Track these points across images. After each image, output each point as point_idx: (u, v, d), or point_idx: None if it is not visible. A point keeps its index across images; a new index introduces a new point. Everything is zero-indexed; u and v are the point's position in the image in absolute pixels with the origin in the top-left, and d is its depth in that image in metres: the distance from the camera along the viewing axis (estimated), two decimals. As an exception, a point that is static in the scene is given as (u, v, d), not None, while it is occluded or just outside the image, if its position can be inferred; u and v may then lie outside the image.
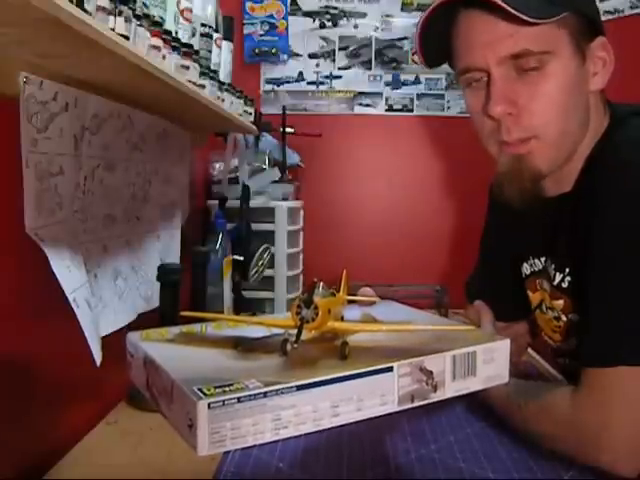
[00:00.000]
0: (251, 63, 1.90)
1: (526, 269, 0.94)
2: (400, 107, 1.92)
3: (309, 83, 1.92)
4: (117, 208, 0.88)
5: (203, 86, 0.91)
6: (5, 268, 0.68)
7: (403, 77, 1.91)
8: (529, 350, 1.16)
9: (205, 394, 0.45)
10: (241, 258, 1.38)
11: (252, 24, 1.88)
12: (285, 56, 1.90)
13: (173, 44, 0.77)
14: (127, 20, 0.61)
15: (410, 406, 0.54)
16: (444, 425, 0.85)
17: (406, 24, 1.90)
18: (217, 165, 1.64)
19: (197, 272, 1.17)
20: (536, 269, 0.92)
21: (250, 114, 1.28)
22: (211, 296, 1.24)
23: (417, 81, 1.91)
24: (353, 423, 0.51)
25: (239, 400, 0.45)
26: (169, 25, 0.76)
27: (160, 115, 1.00)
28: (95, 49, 0.54)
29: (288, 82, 1.92)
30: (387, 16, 1.90)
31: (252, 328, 0.63)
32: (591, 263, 0.74)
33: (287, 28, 1.89)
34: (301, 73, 1.92)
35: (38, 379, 0.74)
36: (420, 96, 1.91)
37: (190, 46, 0.83)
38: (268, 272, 1.49)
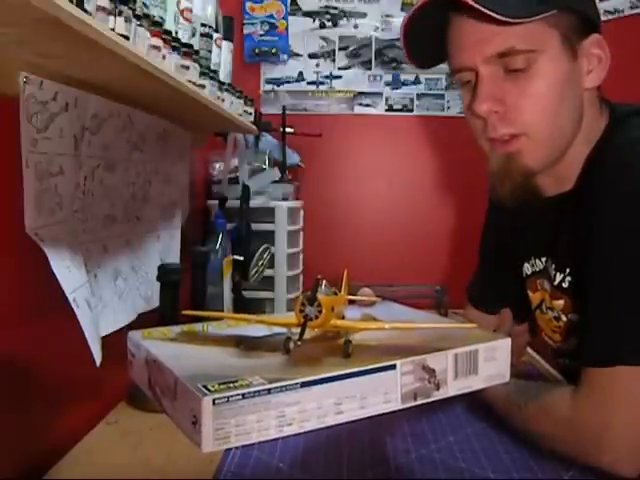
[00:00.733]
0: (251, 63, 1.90)
1: (527, 269, 0.94)
2: (400, 107, 1.92)
3: (309, 83, 1.92)
4: (117, 208, 0.88)
5: (203, 86, 0.91)
6: (5, 268, 0.68)
7: (403, 77, 1.91)
8: (529, 350, 1.17)
9: (210, 390, 0.45)
10: (241, 258, 1.38)
11: (252, 24, 1.88)
12: (285, 56, 1.90)
13: (173, 44, 0.77)
14: (127, 20, 0.61)
15: (413, 404, 0.54)
16: (444, 425, 0.85)
17: (406, 24, 1.89)
18: (217, 165, 1.64)
19: (197, 272, 1.17)
20: (537, 269, 0.92)
21: (250, 114, 1.28)
22: (211, 296, 1.24)
23: (417, 81, 1.91)
24: (356, 421, 0.51)
25: (243, 396, 0.45)
26: (169, 25, 0.76)
27: (160, 115, 1.00)
28: (95, 49, 0.54)
29: (288, 82, 1.92)
30: (387, 16, 1.90)
31: (253, 327, 0.63)
32: (591, 263, 0.74)
33: (287, 28, 1.89)
34: (301, 73, 1.92)
35: (38, 379, 0.74)
36: (420, 96, 1.91)
37: (190, 46, 0.83)
38: (268, 272, 1.49)
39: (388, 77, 1.92)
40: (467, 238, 1.84)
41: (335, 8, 1.90)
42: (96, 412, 0.88)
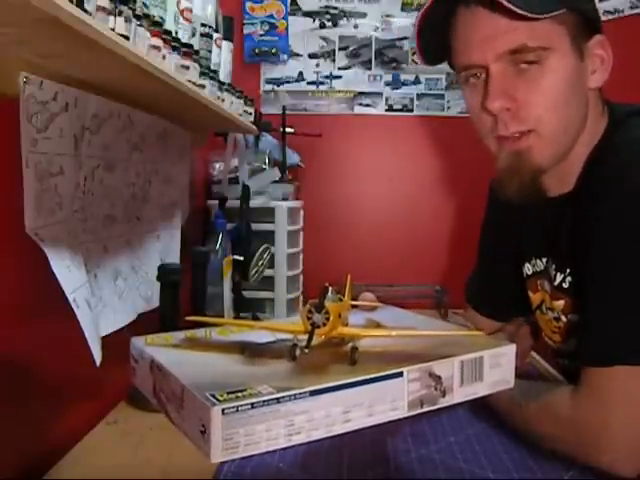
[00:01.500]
0: (251, 63, 1.90)
1: (528, 269, 0.94)
2: (400, 107, 1.92)
3: (309, 83, 1.92)
4: (117, 208, 0.88)
5: (203, 86, 0.91)
6: (5, 268, 0.68)
7: (403, 77, 1.91)
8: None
9: (218, 400, 0.44)
10: (241, 258, 1.38)
11: (252, 24, 1.88)
12: (285, 56, 1.90)
13: (173, 44, 0.77)
14: (127, 20, 0.61)
15: (419, 411, 0.54)
16: (444, 426, 0.85)
17: (406, 24, 1.89)
18: (217, 165, 1.64)
19: (197, 272, 1.17)
20: (538, 269, 0.92)
21: (250, 114, 1.28)
22: (211, 296, 1.24)
23: (417, 81, 1.91)
24: (363, 429, 0.51)
25: (252, 406, 0.45)
26: (169, 25, 0.76)
27: (160, 115, 1.00)
28: (95, 49, 0.54)
29: (288, 82, 1.92)
30: (387, 16, 1.90)
31: (257, 333, 0.62)
32: (591, 263, 0.74)
33: (287, 28, 1.89)
34: (301, 73, 1.92)
35: (38, 379, 0.74)
36: (420, 96, 1.91)
37: (190, 46, 0.83)
38: (268, 272, 1.49)
39: (388, 77, 1.92)
40: (467, 238, 1.84)
41: (335, 8, 1.90)
42: (96, 412, 0.88)
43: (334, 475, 0.72)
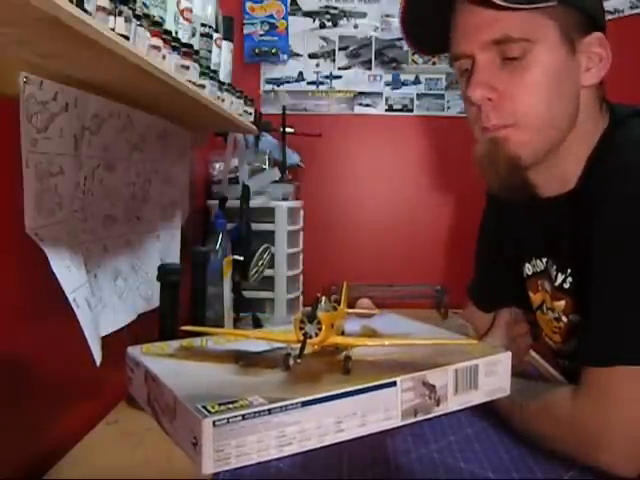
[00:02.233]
0: (251, 63, 1.90)
1: (528, 269, 0.94)
2: (400, 107, 1.92)
3: (309, 83, 1.92)
4: (117, 208, 0.88)
5: (203, 86, 0.91)
6: (5, 268, 0.68)
7: (403, 77, 1.91)
8: (530, 351, 1.16)
9: (209, 412, 0.44)
10: (241, 258, 1.38)
11: (252, 24, 1.88)
12: (285, 56, 1.90)
13: (173, 44, 0.77)
14: (127, 20, 0.61)
15: (413, 420, 0.54)
16: (444, 425, 0.85)
17: (406, 24, 1.89)
18: (217, 165, 1.64)
19: (197, 272, 1.17)
20: (538, 270, 0.92)
21: (250, 114, 1.28)
22: (211, 296, 1.24)
23: (417, 81, 1.91)
24: (357, 439, 0.50)
25: (244, 417, 0.45)
26: (169, 25, 0.76)
27: (160, 115, 1.00)
28: (95, 49, 0.54)
29: (288, 82, 1.92)
30: (387, 16, 1.90)
31: (252, 342, 0.62)
32: (591, 264, 0.74)
33: (287, 28, 1.89)
34: (301, 73, 1.92)
35: (38, 379, 0.74)
36: (420, 96, 1.91)
37: (190, 46, 0.83)
38: (268, 272, 1.49)
39: (388, 77, 1.92)
40: (467, 238, 1.84)
41: (335, 8, 1.90)
42: (96, 412, 0.88)
43: (334, 475, 0.72)
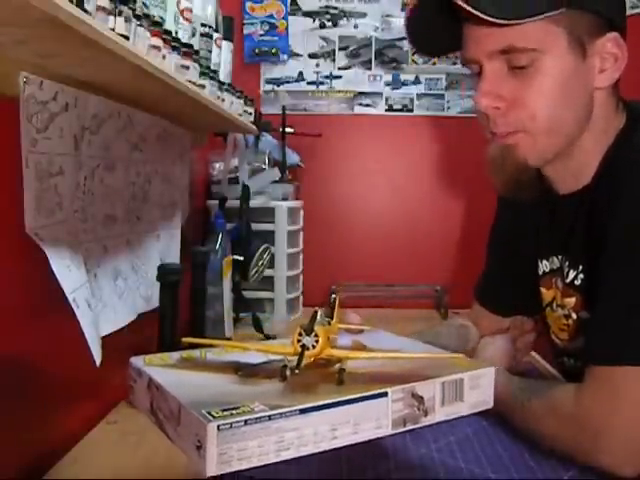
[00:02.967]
0: (251, 63, 1.90)
1: (545, 267, 0.94)
2: (400, 107, 1.92)
3: (309, 83, 1.92)
4: (117, 208, 0.88)
5: (203, 86, 0.91)
6: (5, 268, 0.68)
7: (403, 77, 1.91)
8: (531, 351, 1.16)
9: (214, 416, 0.47)
10: (241, 258, 1.38)
11: (252, 24, 1.88)
12: (285, 56, 1.90)
13: (173, 44, 0.77)
14: (127, 20, 0.61)
15: (403, 429, 0.57)
16: (444, 425, 0.85)
17: (406, 24, 1.89)
18: (217, 165, 1.64)
19: (197, 272, 1.17)
20: (554, 267, 0.91)
21: (250, 114, 1.28)
22: (211, 296, 1.24)
23: (417, 81, 1.91)
24: (348, 446, 0.53)
25: (246, 422, 0.48)
26: (169, 25, 0.76)
27: (160, 115, 1.00)
28: (95, 49, 0.54)
29: (288, 82, 1.92)
30: (387, 16, 1.90)
31: (249, 354, 0.65)
32: (604, 261, 0.74)
33: (287, 28, 1.89)
34: (301, 73, 1.92)
35: (38, 379, 0.74)
36: (420, 96, 1.91)
37: (190, 46, 0.83)
38: (268, 272, 1.49)
39: (388, 77, 1.92)
40: (467, 238, 1.85)
41: (335, 8, 1.90)
42: (96, 412, 0.88)
43: (334, 475, 0.72)
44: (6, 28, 0.47)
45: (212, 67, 0.97)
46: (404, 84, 1.91)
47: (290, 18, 1.89)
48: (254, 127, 1.33)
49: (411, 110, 1.92)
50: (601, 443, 0.68)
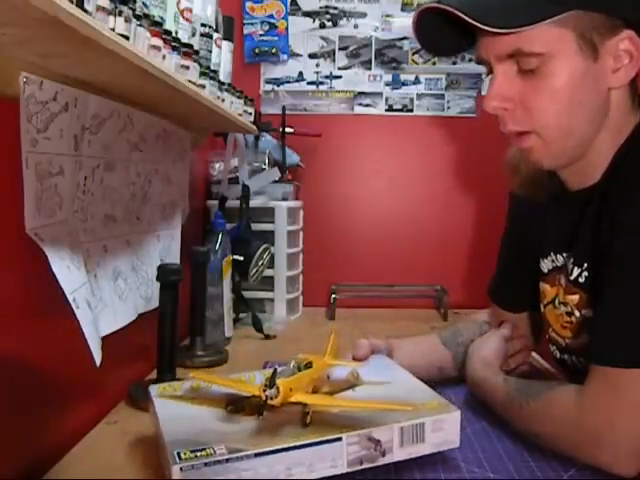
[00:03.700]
0: (251, 63, 1.90)
1: (548, 265, 0.94)
2: (400, 107, 1.92)
3: (309, 83, 1.92)
4: (117, 208, 0.88)
5: (203, 86, 0.91)
6: (5, 268, 0.68)
7: (403, 77, 1.91)
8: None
9: (181, 458, 0.58)
10: (241, 258, 1.38)
11: (252, 24, 1.88)
12: (285, 56, 1.90)
13: (173, 44, 0.78)
14: (127, 20, 0.61)
15: (359, 468, 0.64)
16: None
17: (406, 24, 1.89)
18: (217, 165, 1.64)
19: (197, 272, 1.17)
20: (558, 264, 0.91)
21: (250, 114, 1.28)
22: (211, 296, 1.24)
23: (417, 81, 1.91)
24: None
25: (206, 464, 0.58)
26: (169, 25, 0.77)
27: (160, 115, 1.00)
28: (95, 49, 0.54)
29: (288, 82, 1.92)
30: (387, 16, 1.90)
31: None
32: (611, 260, 0.73)
33: (287, 28, 1.89)
34: (301, 73, 1.92)
35: (38, 379, 0.74)
36: (420, 96, 1.91)
37: (190, 46, 0.83)
38: (268, 272, 1.49)
39: (388, 77, 1.91)
40: (467, 238, 1.85)
41: (335, 8, 1.90)
42: (96, 412, 0.88)
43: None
44: (6, 28, 0.48)
45: (212, 67, 0.97)
46: (404, 84, 1.91)
47: (290, 18, 1.89)
48: (254, 127, 1.33)
49: (411, 110, 1.92)
50: (602, 442, 0.68)
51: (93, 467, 0.73)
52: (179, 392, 0.76)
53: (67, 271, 0.67)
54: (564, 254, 0.89)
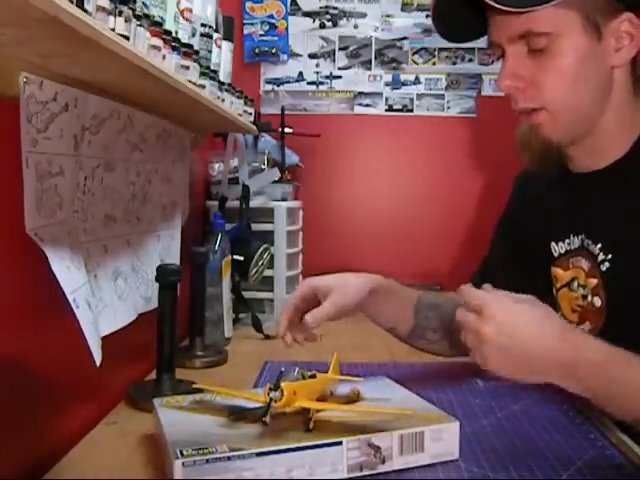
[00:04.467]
0: (251, 63, 1.90)
1: (560, 248, 0.94)
2: (400, 107, 1.92)
3: (309, 83, 1.92)
4: (117, 208, 0.88)
5: (203, 86, 0.91)
6: (5, 268, 0.68)
7: (403, 77, 1.91)
8: None
9: (183, 455, 0.59)
10: (241, 258, 1.38)
11: (252, 24, 1.88)
12: (285, 56, 1.90)
13: (173, 44, 0.77)
14: (127, 20, 0.61)
15: (359, 474, 0.64)
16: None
17: (406, 24, 1.89)
18: (217, 165, 1.64)
19: (196, 272, 1.17)
20: (573, 247, 0.92)
21: (250, 114, 1.28)
22: (210, 296, 1.24)
23: (417, 81, 1.91)
24: None
25: (207, 461, 0.58)
26: (169, 25, 0.76)
27: (160, 115, 1.00)
28: (95, 49, 0.54)
29: (288, 82, 1.92)
30: (387, 16, 1.90)
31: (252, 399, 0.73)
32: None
33: (287, 28, 1.89)
34: (301, 73, 1.92)
35: (38, 379, 0.74)
36: (420, 96, 1.91)
37: (190, 46, 0.83)
38: (268, 272, 1.49)
39: (388, 77, 1.92)
40: (467, 238, 1.85)
41: (335, 8, 1.90)
42: (96, 412, 0.87)
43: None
44: (6, 28, 0.48)
45: (212, 67, 0.97)
46: (404, 84, 1.91)
47: (290, 18, 1.89)
48: (254, 127, 1.33)
49: (411, 110, 1.92)
50: None
51: (93, 467, 0.73)
52: (183, 404, 0.77)
53: (67, 271, 0.67)
54: (580, 236, 0.90)
